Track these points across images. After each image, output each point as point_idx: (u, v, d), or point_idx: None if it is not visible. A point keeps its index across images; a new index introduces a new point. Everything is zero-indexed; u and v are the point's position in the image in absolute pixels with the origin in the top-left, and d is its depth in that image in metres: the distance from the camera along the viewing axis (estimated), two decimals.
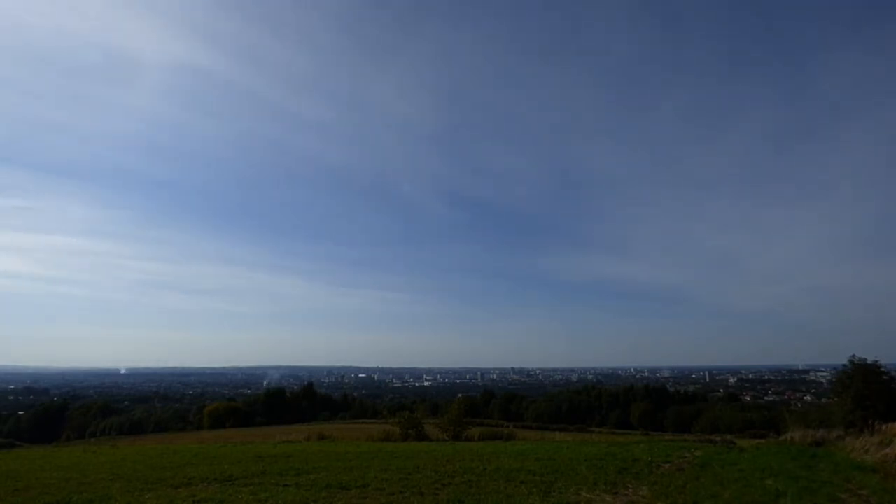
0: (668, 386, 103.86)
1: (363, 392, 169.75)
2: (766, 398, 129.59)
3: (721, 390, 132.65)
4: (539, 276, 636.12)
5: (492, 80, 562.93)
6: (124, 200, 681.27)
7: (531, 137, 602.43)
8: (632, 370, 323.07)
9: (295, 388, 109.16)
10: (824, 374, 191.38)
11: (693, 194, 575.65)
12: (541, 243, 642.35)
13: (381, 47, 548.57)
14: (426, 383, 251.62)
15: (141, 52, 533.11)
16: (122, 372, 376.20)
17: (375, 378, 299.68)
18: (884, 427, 17.40)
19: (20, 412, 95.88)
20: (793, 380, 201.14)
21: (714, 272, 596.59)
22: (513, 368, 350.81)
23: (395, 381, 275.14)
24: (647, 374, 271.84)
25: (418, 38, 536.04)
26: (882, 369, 24.26)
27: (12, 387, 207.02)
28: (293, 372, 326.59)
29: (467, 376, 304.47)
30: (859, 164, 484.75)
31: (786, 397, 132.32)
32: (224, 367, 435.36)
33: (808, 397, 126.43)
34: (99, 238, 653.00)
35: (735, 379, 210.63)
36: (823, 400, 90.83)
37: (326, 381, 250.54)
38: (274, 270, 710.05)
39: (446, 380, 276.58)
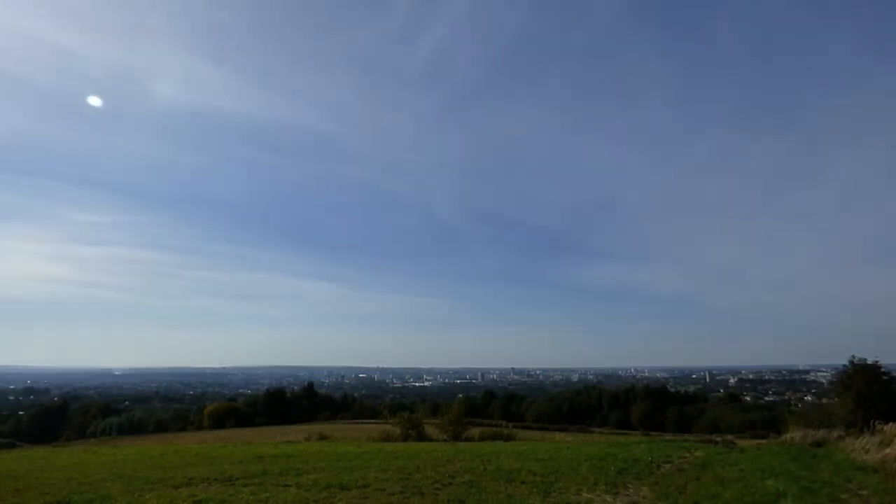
0: (668, 386, 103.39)
1: (363, 392, 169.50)
2: (766, 398, 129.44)
3: (721, 390, 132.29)
4: (545, 280, 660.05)
5: (529, 123, 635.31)
6: (190, 218, 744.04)
7: (562, 169, 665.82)
8: (632, 370, 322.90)
9: (295, 388, 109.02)
10: (825, 374, 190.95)
11: (702, 215, 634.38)
12: (553, 254, 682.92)
13: (438, 105, 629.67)
14: (426, 383, 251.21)
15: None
16: (119, 373, 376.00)
17: (375, 378, 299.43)
18: (884, 427, 17.37)
19: (20, 412, 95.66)
20: (793, 380, 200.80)
21: (717, 280, 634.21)
22: (513, 369, 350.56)
23: (395, 381, 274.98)
24: (647, 374, 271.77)
25: (469, 98, 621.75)
26: (882, 369, 24.26)
27: (12, 387, 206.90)
28: (293, 372, 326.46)
29: (467, 376, 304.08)
30: (855, 185, 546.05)
31: (786, 397, 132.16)
32: (224, 368, 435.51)
33: (808, 397, 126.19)
34: (156, 250, 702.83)
35: (735, 379, 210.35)
36: (824, 400, 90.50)
37: (326, 381, 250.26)
38: (282, 274, 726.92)
39: (446, 380, 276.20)
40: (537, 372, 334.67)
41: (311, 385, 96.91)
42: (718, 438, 22.00)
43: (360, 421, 59.63)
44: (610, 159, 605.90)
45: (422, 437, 23.79)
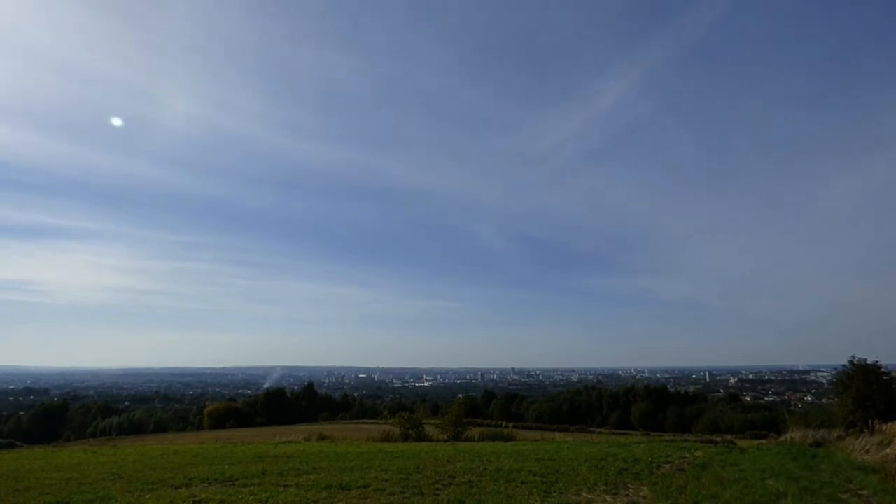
0: (668, 386, 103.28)
1: (363, 392, 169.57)
2: (766, 398, 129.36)
3: (721, 391, 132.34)
4: (550, 285, 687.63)
5: (588, 180, 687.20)
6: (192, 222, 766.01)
7: (595, 201, 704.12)
8: (632, 370, 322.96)
9: (295, 388, 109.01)
10: (825, 374, 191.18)
11: (708, 227, 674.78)
12: (564, 265, 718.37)
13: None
14: (426, 384, 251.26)
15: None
16: (119, 373, 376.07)
17: (375, 378, 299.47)
18: (884, 427, 17.39)
19: (20, 412, 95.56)
20: (793, 380, 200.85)
21: (718, 282, 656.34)
22: (513, 369, 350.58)
23: (395, 381, 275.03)
24: (647, 374, 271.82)
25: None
26: (882, 369, 24.23)
27: (12, 387, 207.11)
28: (293, 372, 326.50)
29: (467, 377, 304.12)
30: (854, 202, 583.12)
31: (786, 398, 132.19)
32: (224, 368, 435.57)
33: (808, 398, 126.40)
34: (159, 258, 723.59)
35: (735, 379, 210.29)
36: (824, 400, 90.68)
37: (326, 381, 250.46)
38: (283, 276, 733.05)
39: (446, 380, 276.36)
40: (537, 372, 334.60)
41: (311, 385, 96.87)
42: (718, 439, 21.97)
43: (360, 421, 59.65)
44: (634, 192, 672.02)
45: (422, 437, 23.77)
